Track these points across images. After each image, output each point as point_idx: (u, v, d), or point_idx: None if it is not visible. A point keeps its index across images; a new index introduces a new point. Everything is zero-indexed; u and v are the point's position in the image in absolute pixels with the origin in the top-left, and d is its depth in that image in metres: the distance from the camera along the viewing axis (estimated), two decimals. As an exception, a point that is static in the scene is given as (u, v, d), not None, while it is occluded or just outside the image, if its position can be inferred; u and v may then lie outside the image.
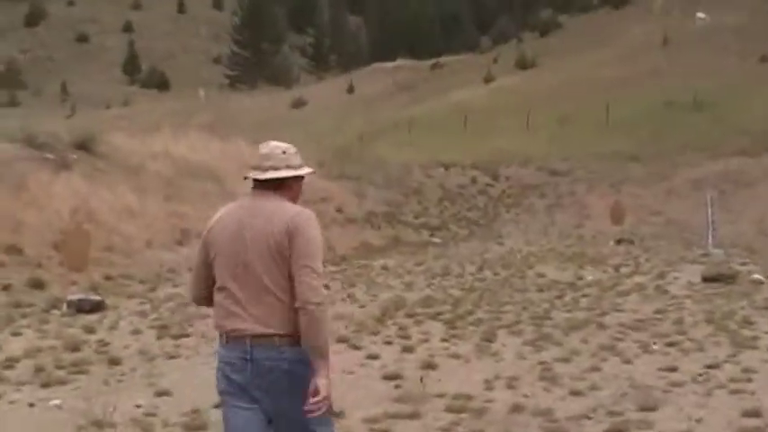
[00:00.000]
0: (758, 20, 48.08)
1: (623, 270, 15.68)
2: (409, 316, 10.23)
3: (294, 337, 3.15)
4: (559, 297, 12.09)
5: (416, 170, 27.99)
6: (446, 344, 8.39)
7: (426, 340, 8.55)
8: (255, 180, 3.32)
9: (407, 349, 8.07)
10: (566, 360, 7.36)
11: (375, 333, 9.05)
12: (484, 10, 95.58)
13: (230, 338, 3.23)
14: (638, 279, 14.24)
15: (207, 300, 3.41)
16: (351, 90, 69.86)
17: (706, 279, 13.72)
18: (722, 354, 7.50)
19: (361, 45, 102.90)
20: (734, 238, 21.01)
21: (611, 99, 35.10)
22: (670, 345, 8.00)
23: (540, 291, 12.96)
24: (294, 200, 3.36)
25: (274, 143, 3.38)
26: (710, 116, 30.57)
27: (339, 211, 21.92)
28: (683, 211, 24.24)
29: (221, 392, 3.28)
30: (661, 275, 14.53)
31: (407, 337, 8.74)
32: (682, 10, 54.92)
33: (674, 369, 6.88)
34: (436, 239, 22.58)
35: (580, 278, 14.66)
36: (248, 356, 3.18)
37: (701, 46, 45.70)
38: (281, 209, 3.26)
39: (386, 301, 11.66)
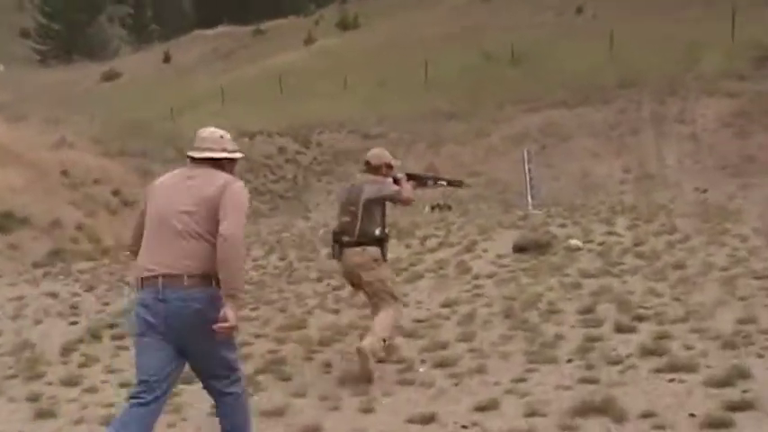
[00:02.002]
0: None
1: (430, 243, 13.56)
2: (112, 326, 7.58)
3: (210, 278, 3.62)
4: (337, 288, 9.71)
5: (216, 141, 25.07)
6: (109, 376, 5.82)
7: (85, 363, 5.99)
8: (192, 158, 3.89)
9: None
10: (277, 414, 4.88)
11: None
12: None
13: (144, 279, 3.66)
14: (442, 254, 12.16)
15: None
16: (167, 59, 65.52)
17: (517, 249, 11.78)
18: (507, 377, 5.28)
19: (184, 13, 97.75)
20: (556, 196, 19.46)
21: (430, 58, 33.29)
22: (441, 365, 5.72)
23: (319, 280, 10.56)
24: None
25: (213, 128, 3.98)
26: (528, 70, 29.19)
27: (115, 193, 18.77)
28: (504, 170, 22.57)
29: (137, 332, 3.69)
30: (470, 247, 12.50)
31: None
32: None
33: (429, 419, 4.55)
34: (232, 219, 19.86)
35: (376, 258, 12.38)
36: (158, 295, 3.60)
37: (521, 1, 44.70)
38: (218, 175, 3.80)
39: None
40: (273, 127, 27.99)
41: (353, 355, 5.69)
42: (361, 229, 5.81)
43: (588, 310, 7.25)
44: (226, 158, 3.90)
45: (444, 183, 6.95)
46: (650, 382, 4.92)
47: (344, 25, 55.37)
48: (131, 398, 3.62)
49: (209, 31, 74.00)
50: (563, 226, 14.79)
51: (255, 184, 23.38)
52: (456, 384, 5.22)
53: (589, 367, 5.35)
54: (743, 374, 4.88)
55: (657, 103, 23.07)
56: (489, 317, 7.33)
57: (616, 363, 5.39)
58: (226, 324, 3.50)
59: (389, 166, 6.11)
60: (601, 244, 11.94)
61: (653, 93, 23.56)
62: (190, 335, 3.60)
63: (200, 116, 32.35)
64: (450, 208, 19.72)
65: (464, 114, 26.55)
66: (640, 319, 6.71)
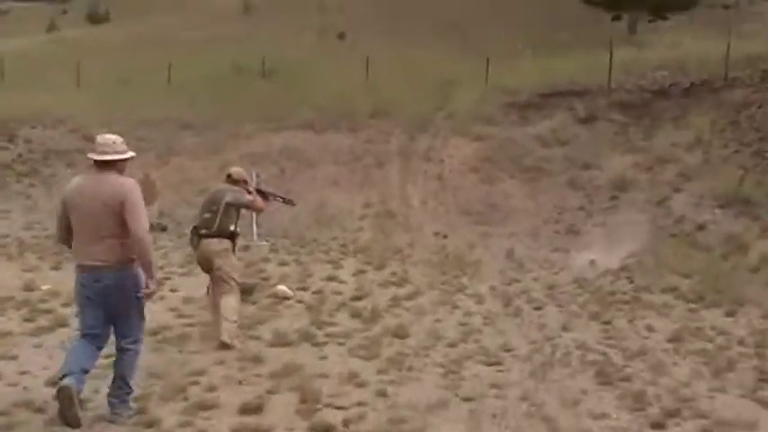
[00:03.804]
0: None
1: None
2: None
3: (121, 264, 4.95)
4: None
5: None
6: None
7: None
8: (95, 160, 5.06)
9: None
10: None
11: None
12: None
13: (84, 268, 4.98)
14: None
15: (66, 239, 5.15)
16: None
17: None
18: None
19: None
20: (288, 227, 17.32)
21: (178, 63, 30.35)
22: None
23: None
24: (122, 173, 5.11)
25: (108, 135, 5.24)
26: (279, 87, 27.00)
27: None
28: (236, 192, 20.00)
29: (78, 303, 5.13)
30: (159, 284, 9.86)
31: None
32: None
33: None
34: None
35: (30, 290, 9.49)
36: (95, 279, 4.94)
37: (283, 17, 42.81)
38: (115, 180, 5.01)
39: None
40: (-18, 116, 23.78)
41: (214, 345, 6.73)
42: (219, 225, 7.19)
43: (255, 407, 4.99)
44: (118, 159, 5.09)
45: (280, 199, 8.44)
46: None
47: (94, 19, 50.76)
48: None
49: (-63, 2, 65.96)
50: (284, 264, 12.73)
51: (-67, 178, 19.29)
52: None
53: None
54: None
55: (407, 138, 21.63)
56: (103, 419, 4.82)
57: None
58: (149, 290, 5.01)
59: (245, 182, 7.60)
60: (317, 293, 9.90)
61: (404, 126, 22.14)
62: (118, 304, 5.00)
63: None
64: (164, 229, 17.00)
65: (202, 126, 23.84)
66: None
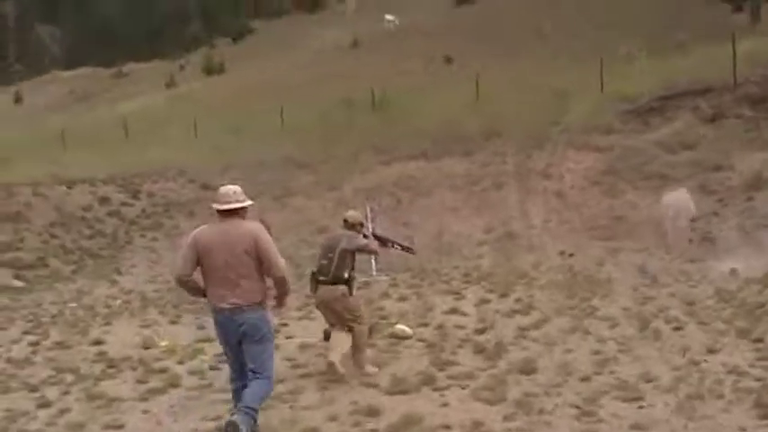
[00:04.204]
0: (443, 22, 46.40)
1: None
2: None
3: (253, 304, 5.35)
4: (43, 405, 6.66)
5: (24, 190, 21.49)
6: None
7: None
8: (218, 210, 5.46)
9: None
10: None
11: None
12: (184, 16, 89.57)
13: (220, 309, 5.36)
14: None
15: (188, 279, 5.49)
16: (18, 100, 60.82)
17: (327, 337, 9.03)
18: None
19: (54, 54, 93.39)
20: (408, 259, 16.83)
21: (290, 104, 30.73)
22: None
23: (33, 390, 7.44)
24: (243, 219, 5.48)
25: (228, 186, 5.62)
26: (389, 118, 26.81)
27: None
28: (354, 227, 19.77)
29: (220, 342, 5.61)
30: (276, 329, 9.63)
31: None
32: (372, 13, 52.44)
33: None
34: (18, 282, 16.39)
35: (147, 347, 9.41)
36: (232, 320, 5.32)
37: (389, 48, 42.98)
38: (243, 225, 5.43)
39: None
40: (102, 174, 24.56)
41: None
42: (334, 271, 7.37)
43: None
44: (239, 208, 5.47)
45: (398, 247, 8.55)
46: None
47: (209, 70, 52.43)
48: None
49: (67, 73, 69.84)
50: (403, 298, 12.30)
51: (64, 240, 19.89)
52: None
53: None
54: None
55: (523, 156, 20.95)
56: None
57: None
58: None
59: (361, 225, 7.84)
60: (438, 328, 9.41)
61: (519, 145, 21.48)
62: (251, 342, 5.37)
63: (31, 162, 28.65)
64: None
65: (316, 164, 23.89)
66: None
